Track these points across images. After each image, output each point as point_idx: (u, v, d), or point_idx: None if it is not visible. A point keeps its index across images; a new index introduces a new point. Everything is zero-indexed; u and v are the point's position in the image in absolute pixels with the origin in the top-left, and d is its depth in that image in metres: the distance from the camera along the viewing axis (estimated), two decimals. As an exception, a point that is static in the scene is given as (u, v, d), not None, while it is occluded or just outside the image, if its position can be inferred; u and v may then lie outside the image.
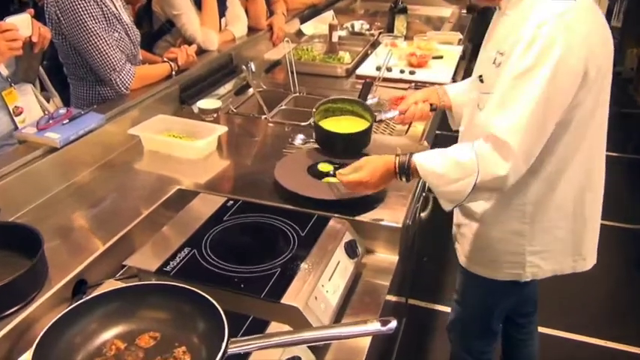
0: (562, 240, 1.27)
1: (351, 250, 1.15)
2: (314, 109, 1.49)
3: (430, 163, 1.15)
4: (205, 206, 1.27)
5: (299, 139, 1.67)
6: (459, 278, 1.49)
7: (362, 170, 1.22)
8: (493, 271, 1.33)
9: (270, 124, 1.82)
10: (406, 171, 1.18)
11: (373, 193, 1.25)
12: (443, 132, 1.76)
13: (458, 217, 1.41)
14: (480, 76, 1.21)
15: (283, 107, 1.99)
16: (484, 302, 1.44)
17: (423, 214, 1.58)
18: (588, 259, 1.31)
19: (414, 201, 1.41)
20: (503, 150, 1.07)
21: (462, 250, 1.39)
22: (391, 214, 1.29)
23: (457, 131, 1.41)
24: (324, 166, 1.41)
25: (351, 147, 1.37)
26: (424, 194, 1.61)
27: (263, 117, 1.86)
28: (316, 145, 1.58)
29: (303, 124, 1.83)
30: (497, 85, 1.10)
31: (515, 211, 1.24)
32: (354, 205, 1.28)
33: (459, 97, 1.45)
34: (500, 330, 1.68)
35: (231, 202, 1.27)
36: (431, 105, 1.47)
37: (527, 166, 1.10)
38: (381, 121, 1.51)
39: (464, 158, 1.11)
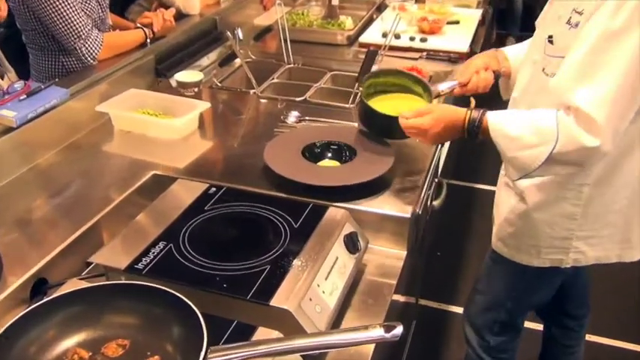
0: (613, 225, 1.29)
1: (351, 244, 1.13)
2: (361, 87, 1.41)
3: (504, 123, 1.15)
4: (184, 194, 1.25)
5: (293, 116, 1.65)
6: (486, 264, 1.49)
7: (426, 116, 1.23)
8: (531, 256, 1.34)
9: (260, 100, 1.80)
10: (476, 129, 1.18)
11: (430, 144, 1.25)
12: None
13: (500, 194, 1.41)
14: (550, 36, 1.18)
15: (275, 80, 1.96)
16: (512, 291, 1.44)
17: (435, 202, 1.57)
18: (636, 249, 1.33)
19: (426, 187, 1.39)
20: (590, 126, 1.06)
21: (498, 232, 1.40)
22: (398, 203, 1.27)
23: (506, 101, 1.40)
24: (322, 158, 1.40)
25: (397, 132, 1.30)
26: (437, 179, 1.59)
27: (252, 92, 1.85)
28: (312, 124, 1.56)
29: (297, 99, 1.81)
30: (575, 48, 1.09)
31: (571, 191, 1.25)
32: (356, 192, 1.27)
33: (519, 62, 1.43)
34: (542, 332, 1.70)
35: (214, 189, 1.26)
36: (494, 72, 1.44)
37: (614, 145, 1.09)
38: (438, 95, 1.46)
39: (544, 123, 1.10)
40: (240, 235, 1.13)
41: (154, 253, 1.07)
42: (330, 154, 1.41)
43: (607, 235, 1.29)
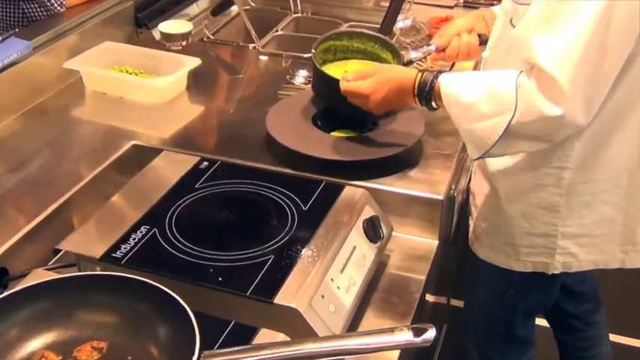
0: (609, 220, 1.24)
1: (372, 230, 1.13)
2: (312, 49, 1.43)
3: (458, 88, 1.13)
4: (170, 169, 1.25)
5: (301, 76, 1.64)
6: (469, 267, 1.48)
7: (369, 79, 1.23)
8: (508, 258, 1.31)
9: (262, 57, 1.79)
10: (427, 94, 1.17)
11: (374, 111, 1.25)
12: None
13: (474, 180, 1.39)
14: None
15: (279, 33, 1.95)
16: (502, 297, 1.42)
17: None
18: None
19: (462, 162, 1.38)
20: (552, 90, 1.03)
21: (474, 228, 1.38)
22: (429, 182, 1.27)
23: None
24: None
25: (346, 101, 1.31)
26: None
27: (251, 46, 1.83)
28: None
29: (306, 55, 1.80)
30: None
31: (549, 176, 1.21)
32: (378, 168, 1.27)
33: None
34: (552, 336, 1.69)
35: (206, 163, 1.26)
36: (480, 36, 1.43)
37: (587, 116, 1.06)
38: (409, 62, 1.46)
39: (501, 87, 1.08)
40: (237, 219, 1.13)
41: (134, 239, 1.07)
42: (346, 122, 1.40)
43: (603, 234, 1.24)
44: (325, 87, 1.38)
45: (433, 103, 1.18)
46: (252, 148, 1.36)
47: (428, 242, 1.25)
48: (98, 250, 1.05)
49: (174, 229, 1.09)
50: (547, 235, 1.25)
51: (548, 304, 1.49)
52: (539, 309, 1.53)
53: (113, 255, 1.04)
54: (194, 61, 1.60)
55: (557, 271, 1.28)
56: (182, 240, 1.07)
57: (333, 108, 1.39)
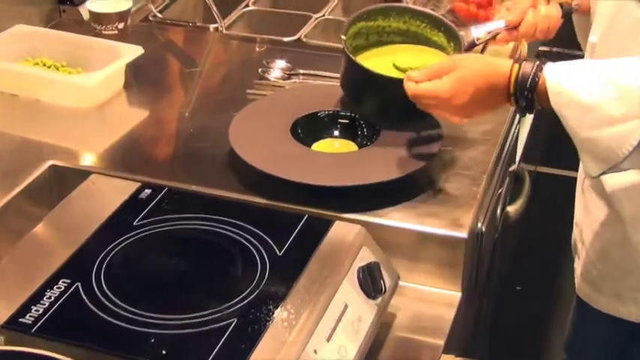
0: None
1: (370, 281, 1.14)
2: (342, 35, 1.41)
3: (572, 82, 1.14)
4: (101, 199, 1.26)
5: (277, 69, 1.65)
6: (572, 318, 1.50)
7: (446, 78, 1.22)
8: (637, 306, 1.34)
9: (226, 41, 1.81)
10: (529, 92, 1.17)
11: (457, 121, 1.25)
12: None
13: (581, 205, 1.40)
14: None
15: (250, 8, 1.97)
16: (613, 348, 1.44)
17: (511, 208, 1.57)
18: None
19: (494, 185, 1.39)
20: None
21: (583, 270, 1.40)
22: (448, 213, 1.28)
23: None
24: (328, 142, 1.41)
25: (405, 108, 1.30)
26: (513, 169, 1.59)
27: (212, 27, 1.85)
28: (309, 80, 1.55)
29: (286, 39, 1.82)
30: None
31: None
32: (378, 194, 1.28)
33: None
34: None
35: (149, 190, 1.27)
36: (561, 6, 1.46)
37: None
38: (472, 45, 1.46)
39: (635, 80, 1.09)
40: (189, 269, 1.13)
41: (50, 297, 1.07)
42: (337, 132, 1.41)
43: None
44: (373, 90, 1.38)
45: (536, 103, 1.18)
46: (212, 169, 1.37)
47: (447, 294, 1.25)
48: (1, 314, 1.04)
49: (103, 283, 1.09)
50: None
51: None
52: None
53: (21, 320, 1.03)
54: (134, 51, 1.61)
55: None
56: (114, 299, 1.07)
57: (372, 118, 1.41)
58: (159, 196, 1.26)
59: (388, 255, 1.21)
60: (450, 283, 1.26)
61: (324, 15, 1.94)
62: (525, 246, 2.44)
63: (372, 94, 1.39)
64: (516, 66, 1.18)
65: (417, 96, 1.24)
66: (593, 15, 1.40)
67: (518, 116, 1.59)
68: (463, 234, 1.25)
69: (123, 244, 1.16)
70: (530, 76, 1.16)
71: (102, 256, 1.14)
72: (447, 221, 1.26)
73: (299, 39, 1.82)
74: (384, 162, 1.32)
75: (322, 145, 1.40)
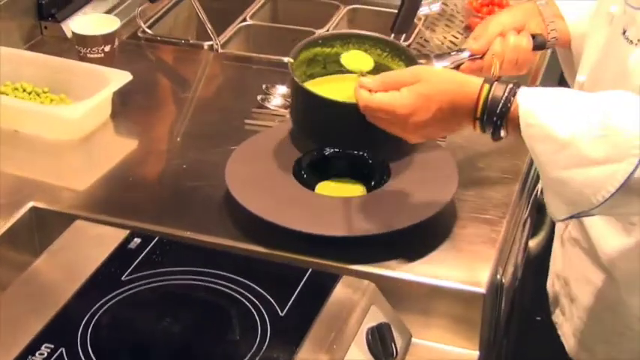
0: None
1: (380, 344, 1.13)
2: (290, 58, 1.43)
3: (547, 112, 1.10)
4: (86, 249, 1.26)
5: (278, 95, 1.65)
6: None
7: (406, 91, 1.18)
8: None
9: (222, 62, 1.82)
10: (498, 117, 1.13)
11: (412, 140, 1.23)
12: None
13: (563, 257, 1.42)
14: None
15: (248, 22, 1.96)
16: None
17: (533, 242, 1.58)
18: None
19: (515, 227, 1.39)
20: None
21: (575, 331, 1.41)
22: (465, 264, 1.28)
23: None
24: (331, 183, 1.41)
25: (365, 133, 1.30)
26: (535, 196, 1.58)
27: (207, 45, 1.85)
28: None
29: (286, 59, 1.78)
30: None
31: None
32: (388, 244, 1.28)
33: (583, 21, 1.41)
34: None
35: (139, 240, 1.27)
36: (534, 38, 1.44)
37: None
38: None
39: (620, 119, 1.06)
40: (183, 332, 1.13)
41: (31, 365, 1.06)
42: (343, 171, 1.41)
43: None
44: (315, 113, 1.37)
45: (502, 132, 1.15)
46: (207, 213, 1.36)
47: (464, 353, 1.25)
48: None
49: (89, 348, 1.08)
50: None
51: None
52: None
53: (-2, 394, 1.04)
54: (122, 77, 1.61)
55: None
56: (101, 366, 1.07)
57: (328, 146, 1.42)
58: (149, 247, 1.26)
59: (399, 309, 1.21)
60: (467, 340, 1.25)
61: (328, 31, 1.93)
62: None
63: (323, 122, 1.37)
64: (486, 86, 1.14)
65: (369, 108, 1.20)
66: (578, 52, 1.40)
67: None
68: (481, 289, 1.24)
69: (110, 303, 1.16)
70: (502, 101, 1.12)
71: (87, 316, 1.14)
72: (464, 273, 1.26)
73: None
74: (394, 208, 1.32)
75: (327, 187, 1.40)
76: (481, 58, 1.43)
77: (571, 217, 1.15)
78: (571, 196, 1.10)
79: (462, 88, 1.16)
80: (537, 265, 1.96)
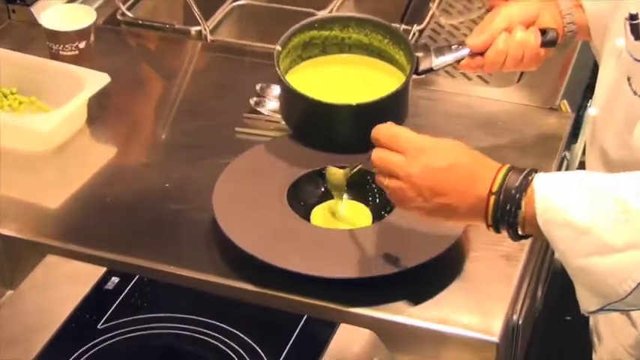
0: None
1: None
2: (278, 46, 1.46)
3: (563, 196, 1.12)
4: (58, 290, 1.26)
5: (273, 98, 1.65)
6: None
7: (411, 155, 1.18)
8: None
9: (211, 53, 1.83)
10: (514, 208, 1.14)
11: (410, 209, 1.21)
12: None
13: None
14: (634, 16, 1.20)
15: (241, 2, 1.97)
16: None
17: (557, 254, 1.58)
18: None
19: (534, 259, 1.40)
20: None
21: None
22: (476, 307, 1.28)
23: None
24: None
25: (362, 131, 1.32)
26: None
27: (194, 30, 1.86)
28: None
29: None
30: None
31: None
32: (392, 285, 1.28)
33: (604, 16, 1.40)
34: None
35: (116, 279, 1.28)
36: (543, 33, 1.45)
37: None
38: (429, 71, 1.49)
39: (638, 202, 1.07)
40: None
41: None
42: (347, 192, 1.42)
43: None
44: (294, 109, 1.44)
45: (519, 229, 1.15)
46: (192, 243, 1.37)
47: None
48: None
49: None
50: None
51: None
52: None
53: None
54: (99, 79, 1.61)
55: None
56: None
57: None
58: (128, 287, 1.26)
59: (403, 356, 1.23)
60: (478, 391, 1.27)
61: (331, 12, 1.92)
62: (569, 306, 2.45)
63: (314, 122, 1.45)
64: (503, 170, 1.15)
65: (379, 134, 1.19)
66: (600, 48, 1.41)
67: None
68: (494, 338, 1.24)
69: (85, 356, 1.17)
70: (517, 187, 1.13)
71: (58, 374, 1.15)
72: (476, 318, 1.27)
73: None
74: (400, 243, 1.32)
75: (326, 211, 1.41)
76: (482, 54, 1.45)
77: (603, 310, 1.14)
78: (597, 286, 1.11)
79: (475, 170, 1.17)
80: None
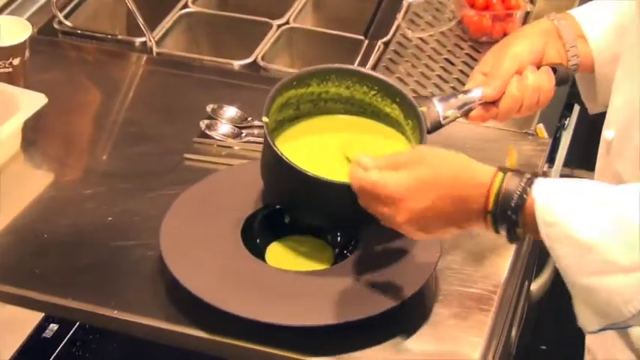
0: None
1: None
2: (264, 117, 1.39)
3: (568, 210, 1.14)
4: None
5: (225, 120, 1.65)
6: None
7: (404, 173, 1.20)
8: None
9: (157, 69, 1.84)
10: (513, 213, 1.16)
11: (407, 232, 1.24)
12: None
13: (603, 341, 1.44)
14: None
15: (190, 9, 1.97)
16: None
17: (535, 285, 1.66)
18: None
19: (509, 299, 1.42)
20: None
21: None
22: (447, 351, 1.30)
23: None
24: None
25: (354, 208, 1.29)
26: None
27: (139, 42, 1.87)
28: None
29: (236, 63, 1.82)
30: None
31: None
32: (356, 332, 1.28)
33: (609, 42, 1.44)
34: None
35: (55, 326, 1.30)
36: (554, 71, 1.46)
37: None
38: (437, 127, 1.44)
39: None
40: None
41: None
42: (304, 226, 1.44)
43: None
44: (298, 189, 1.37)
45: (519, 231, 1.17)
46: (138, 284, 1.37)
47: None
48: None
49: None
50: None
51: None
52: None
53: None
54: (35, 101, 1.60)
55: None
56: None
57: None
58: (68, 336, 1.27)
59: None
60: None
61: (287, 22, 1.93)
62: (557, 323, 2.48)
63: (309, 199, 1.38)
64: (499, 175, 1.17)
65: (361, 188, 1.22)
66: (603, 79, 1.44)
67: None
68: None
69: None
70: (517, 193, 1.15)
71: None
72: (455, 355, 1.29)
73: (255, 62, 1.82)
74: (364, 286, 1.33)
75: (284, 249, 1.42)
76: (494, 103, 1.44)
77: (604, 329, 1.16)
78: (601, 306, 1.13)
79: (470, 177, 1.19)
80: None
